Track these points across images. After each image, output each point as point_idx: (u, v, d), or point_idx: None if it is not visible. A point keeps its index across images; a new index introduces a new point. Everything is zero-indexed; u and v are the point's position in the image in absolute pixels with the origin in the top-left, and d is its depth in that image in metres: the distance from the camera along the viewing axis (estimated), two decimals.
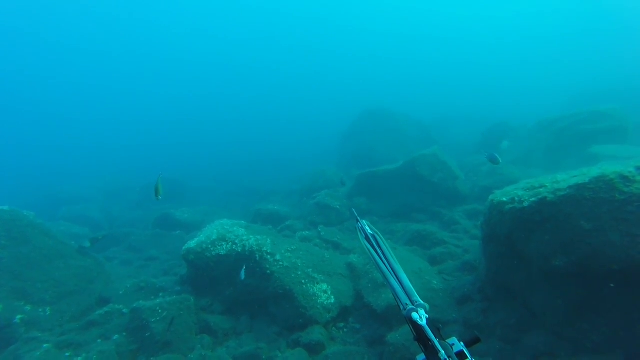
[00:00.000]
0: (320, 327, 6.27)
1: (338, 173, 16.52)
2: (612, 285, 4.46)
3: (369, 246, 2.30)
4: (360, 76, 65.63)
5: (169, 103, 66.15)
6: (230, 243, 7.38)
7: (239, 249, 7.20)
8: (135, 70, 74.73)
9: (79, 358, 5.68)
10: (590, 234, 4.49)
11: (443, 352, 1.44)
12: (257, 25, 75.85)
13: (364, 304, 6.73)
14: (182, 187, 21.34)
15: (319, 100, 60.04)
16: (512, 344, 5.22)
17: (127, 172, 28.96)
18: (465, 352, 1.52)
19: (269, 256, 7.04)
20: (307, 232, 10.37)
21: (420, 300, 1.74)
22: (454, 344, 1.55)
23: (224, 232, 7.70)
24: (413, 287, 1.89)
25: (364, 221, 2.57)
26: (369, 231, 2.44)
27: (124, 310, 6.96)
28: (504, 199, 5.52)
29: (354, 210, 3.57)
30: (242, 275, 6.57)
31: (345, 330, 6.44)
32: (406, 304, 1.74)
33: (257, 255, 7.04)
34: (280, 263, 6.97)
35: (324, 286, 6.83)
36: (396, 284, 1.91)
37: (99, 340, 6.26)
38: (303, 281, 6.78)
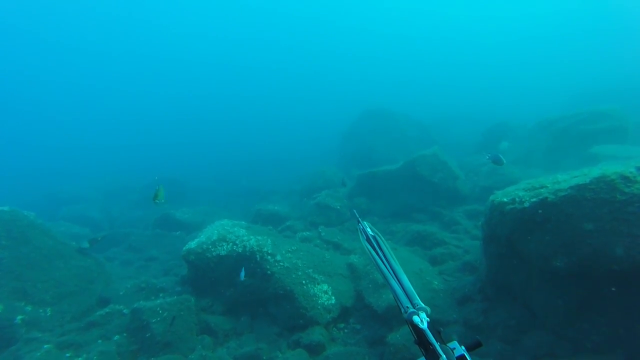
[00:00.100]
0: (321, 328, 6.27)
1: (338, 173, 16.52)
2: (613, 289, 4.46)
3: (370, 248, 2.30)
4: (360, 76, 65.66)
5: (169, 103, 66.16)
6: (231, 243, 7.37)
7: (240, 250, 7.20)
8: (135, 70, 74.78)
9: (80, 358, 5.69)
10: (591, 235, 4.50)
11: (444, 356, 1.43)
12: (257, 25, 75.88)
13: (364, 305, 6.73)
14: (182, 187, 21.35)
15: (319, 100, 60.01)
16: (513, 344, 5.22)
17: (127, 172, 28.97)
18: (467, 356, 1.52)
19: (269, 257, 7.04)
20: (307, 233, 10.37)
21: (422, 303, 1.73)
22: (454, 348, 1.54)
23: (225, 232, 7.70)
24: (414, 287, 1.89)
25: (365, 222, 2.57)
26: (370, 232, 2.43)
27: (125, 311, 6.96)
28: (505, 199, 5.52)
29: (355, 211, 3.56)
30: (242, 276, 6.57)
31: (345, 330, 6.44)
32: (407, 307, 1.73)
33: (258, 256, 7.04)
34: (281, 263, 6.97)
35: (325, 287, 6.84)
36: (397, 286, 1.90)
37: (100, 341, 6.26)
38: (303, 282, 6.78)
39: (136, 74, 74.58)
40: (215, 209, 16.04)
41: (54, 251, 8.24)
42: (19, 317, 6.72)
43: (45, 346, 6.00)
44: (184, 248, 7.53)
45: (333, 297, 6.70)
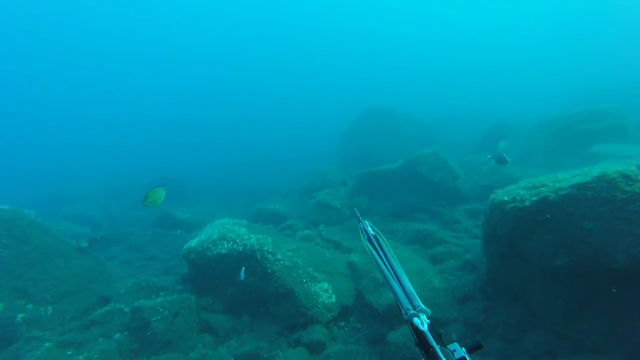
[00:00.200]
0: (321, 326, 6.28)
1: (338, 173, 16.53)
2: (613, 290, 4.46)
3: (371, 248, 2.29)
4: (360, 76, 65.63)
5: (170, 103, 66.18)
6: (231, 242, 7.37)
7: (240, 248, 7.20)
8: (135, 70, 74.75)
9: (80, 357, 5.69)
10: (592, 233, 4.50)
11: (444, 359, 1.43)
12: (257, 25, 75.83)
13: (364, 303, 6.73)
14: (182, 186, 21.35)
15: (320, 100, 60.03)
16: (513, 343, 5.22)
17: (128, 171, 28.97)
18: (467, 358, 1.52)
19: (269, 255, 7.04)
20: (307, 232, 10.38)
21: (422, 305, 1.72)
22: (455, 350, 1.54)
23: (225, 231, 7.70)
24: (414, 286, 1.88)
25: (365, 221, 2.56)
26: (371, 231, 2.43)
27: (125, 310, 6.97)
28: (505, 198, 5.52)
29: (356, 210, 3.56)
30: (242, 275, 6.57)
31: (346, 329, 6.44)
32: (407, 309, 1.72)
33: (258, 255, 7.04)
34: (281, 262, 6.98)
35: (325, 285, 6.84)
36: (398, 287, 1.90)
37: (100, 339, 6.26)
38: (304, 280, 6.79)
39: (137, 74, 74.61)
40: (216, 208, 16.05)
41: (54, 250, 8.24)
42: (20, 315, 6.72)
43: (46, 345, 6.01)
44: (185, 247, 7.53)
45: (333, 296, 6.70)
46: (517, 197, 5.31)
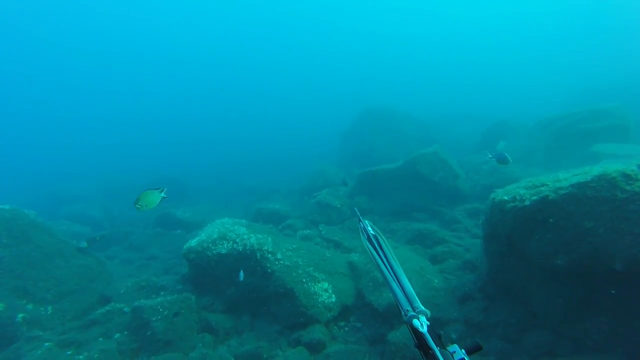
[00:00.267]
0: (321, 326, 6.28)
1: (338, 172, 16.52)
2: (612, 291, 4.46)
3: (371, 248, 2.29)
4: (360, 75, 65.59)
5: (170, 102, 66.19)
6: (231, 242, 7.37)
7: (240, 248, 7.20)
8: (136, 69, 74.75)
9: (81, 356, 5.69)
10: (592, 233, 4.49)
11: None
12: (257, 24, 75.77)
13: (365, 303, 6.73)
14: (182, 186, 21.37)
15: (320, 99, 60.04)
16: (513, 342, 5.22)
17: (128, 171, 28.98)
18: (467, 359, 1.52)
19: (269, 255, 7.04)
20: (308, 231, 10.38)
21: (422, 306, 1.72)
22: (455, 352, 1.54)
23: (225, 230, 7.70)
24: (414, 286, 1.88)
25: (366, 221, 2.56)
26: (371, 231, 2.42)
27: (125, 309, 6.97)
28: (505, 197, 5.52)
29: (356, 209, 3.56)
30: (241, 276, 6.57)
31: (346, 329, 6.44)
32: (407, 310, 1.72)
33: (258, 254, 7.04)
34: (281, 262, 6.98)
35: (325, 285, 6.84)
36: (397, 288, 1.89)
37: (100, 339, 6.26)
38: (304, 280, 6.79)
39: (137, 73, 74.61)
40: (216, 208, 16.06)
41: (54, 250, 8.24)
42: (20, 315, 6.72)
43: (46, 344, 6.01)
44: (185, 246, 7.53)
45: (333, 296, 6.70)
46: (517, 197, 5.30)
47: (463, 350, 1.56)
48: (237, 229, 7.83)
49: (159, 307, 6.35)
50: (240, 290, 7.06)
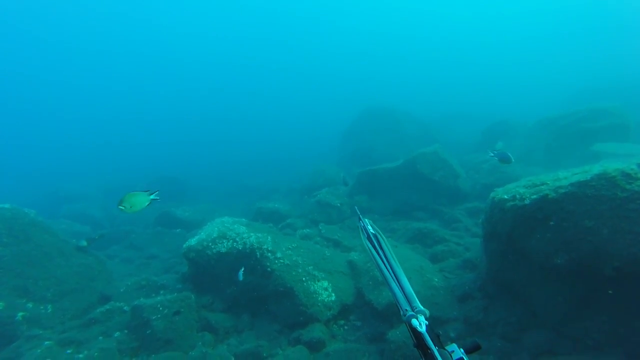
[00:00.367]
0: (321, 325, 6.28)
1: (339, 172, 16.51)
2: (610, 291, 4.46)
3: (370, 247, 2.28)
4: (360, 75, 65.53)
5: (170, 102, 66.17)
6: (231, 241, 7.37)
7: (240, 247, 7.20)
8: (136, 68, 74.71)
9: (81, 355, 5.69)
10: (592, 232, 4.49)
11: None
12: (257, 23, 75.70)
13: (364, 302, 6.73)
14: (182, 186, 21.39)
15: (320, 99, 60.00)
16: (513, 341, 5.22)
17: (128, 170, 29.01)
18: (465, 359, 1.52)
19: (269, 254, 7.04)
20: (307, 230, 10.38)
21: (421, 306, 1.73)
22: (453, 351, 1.55)
23: (225, 229, 7.70)
24: (414, 285, 1.89)
25: (366, 220, 2.56)
26: (371, 230, 2.42)
27: (125, 308, 6.97)
28: (505, 196, 5.51)
29: (356, 208, 3.56)
30: (240, 275, 6.56)
31: (346, 327, 6.44)
32: (406, 310, 1.73)
33: (258, 253, 7.03)
34: (281, 261, 6.97)
35: (325, 284, 6.84)
36: (397, 288, 1.90)
37: (100, 338, 6.27)
38: (304, 279, 6.79)
39: (137, 73, 74.58)
40: (216, 207, 16.06)
41: (54, 249, 8.24)
42: (20, 314, 6.73)
43: (46, 343, 6.01)
44: (184, 245, 7.53)
45: (333, 294, 6.70)
46: (517, 196, 5.30)
47: (462, 350, 1.56)
48: (237, 227, 7.83)
49: (158, 306, 6.35)
50: (240, 289, 7.06)
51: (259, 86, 69.10)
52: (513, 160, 6.93)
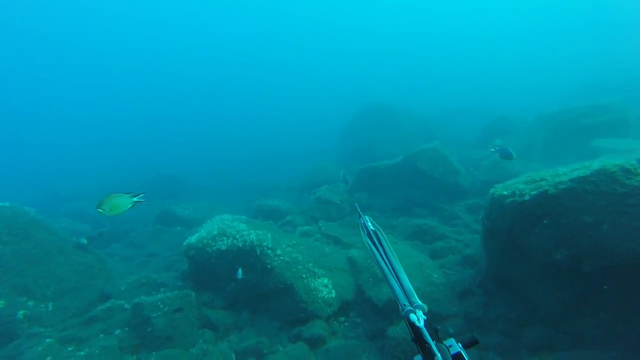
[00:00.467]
0: (321, 321, 6.29)
1: (338, 169, 16.50)
2: (605, 287, 4.47)
3: (370, 244, 2.29)
4: (360, 72, 65.34)
5: (170, 100, 66.03)
6: (231, 238, 7.37)
7: (240, 244, 7.20)
8: (136, 67, 74.49)
9: (82, 353, 5.70)
10: (591, 227, 4.49)
11: (439, 355, 1.44)
12: (257, 22, 75.47)
13: (364, 298, 6.74)
14: (182, 184, 21.39)
15: (320, 96, 59.82)
16: (513, 337, 5.23)
17: (128, 169, 29.01)
18: (463, 354, 1.53)
19: (269, 251, 7.04)
20: (307, 227, 10.38)
21: (419, 302, 1.74)
22: (451, 345, 1.56)
23: (225, 227, 7.70)
24: (414, 281, 1.90)
25: (366, 217, 2.56)
26: (371, 227, 2.42)
27: (126, 306, 6.98)
28: (505, 192, 5.51)
29: (356, 205, 3.56)
30: (239, 274, 6.57)
31: (346, 324, 6.46)
32: (404, 305, 1.74)
33: (258, 250, 7.04)
34: (281, 258, 6.98)
35: (325, 280, 6.85)
36: (396, 284, 1.91)
37: (101, 335, 6.28)
38: (304, 275, 6.80)
39: (137, 71, 74.36)
40: (216, 205, 16.05)
41: (54, 247, 8.25)
42: (21, 312, 6.74)
43: (47, 341, 6.03)
44: (184, 243, 7.54)
45: (333, 291, 6.71)
46: (517, 192, 5.30)
47: (460, 344, 1.57)
48: (236, 225, 7.84)
49: (159, 303, 6.36)
50: (240, 287, 7.07)
51: (259, 84, 68.99)
52: (514, 156, 6.88)
